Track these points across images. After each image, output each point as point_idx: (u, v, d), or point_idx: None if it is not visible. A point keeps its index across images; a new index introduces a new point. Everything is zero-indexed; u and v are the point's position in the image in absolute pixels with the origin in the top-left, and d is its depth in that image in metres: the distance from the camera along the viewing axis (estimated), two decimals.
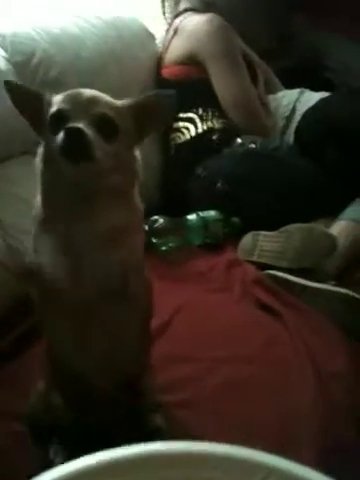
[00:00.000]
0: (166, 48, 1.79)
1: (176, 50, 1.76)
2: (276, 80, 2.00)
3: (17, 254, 1.14)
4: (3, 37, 1.31)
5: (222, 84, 1.70)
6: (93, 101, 0.71)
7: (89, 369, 0.79)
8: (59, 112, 0.70)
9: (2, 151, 1.30)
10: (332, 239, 1.31)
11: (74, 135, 0.66)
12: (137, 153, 0.77)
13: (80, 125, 0.67)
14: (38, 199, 0.75)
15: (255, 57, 1.91)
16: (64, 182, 0.71)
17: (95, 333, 0.76)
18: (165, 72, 1.78)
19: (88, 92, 0.72)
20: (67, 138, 0.66)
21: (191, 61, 1.72)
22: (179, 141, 1.73)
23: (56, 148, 0.67)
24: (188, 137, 1.71)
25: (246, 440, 0.87)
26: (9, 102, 1.20)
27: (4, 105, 1.18)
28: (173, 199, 1.71)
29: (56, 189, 0.72)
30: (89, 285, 0.73)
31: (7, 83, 0.76)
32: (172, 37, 1.78)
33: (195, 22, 1.74)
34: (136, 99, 0.75)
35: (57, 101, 0.72)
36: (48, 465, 0.81)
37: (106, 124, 0.70)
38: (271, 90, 1.93)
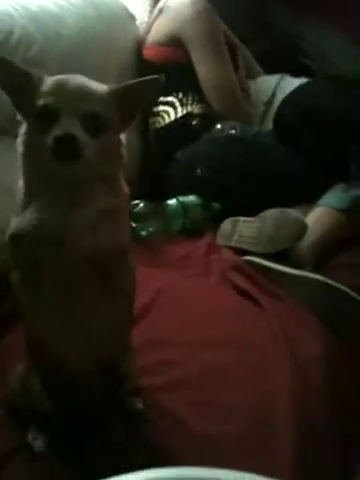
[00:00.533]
0: (149, 28, 1.77)
1: (159, 30, 1.74)
2: (256, 65, 2.00)
3: None
4: None
5: (203, 67, 1.68)
6: (82, 96, 0.69)
7: (71, 353, 0.79)
8: (46, 107, 0.69)
9: None
10: (301, 222, 1.32)
11: (65, 143, 0.66)
12: (122, 137, 0.77)
13: (70, 129, 0.66)
14: (20, 184, 0.74)
15: (236, 41, 1.90)
16: (49, 172, 0.70)
17: (79, 316, 0.76)
18: (146, 53, 1.76)
19: (76, 83, 0.70)
20: (58, 146, 0.66)
21: (174, 42, 1.70)
22: (158, 126, 1.72)
23: (45, 147, 0.67)
24: (167, 122, 1.70)
25: (224, 423, 0.90)
26: None
27: None
28: (152, 184, 1.70)
29: (40, 176, 0.72)
30: (75, 268, 0.72)
31: None
32: (156, 17, 1.76)
33: (179, 3, 1.71)
34: (121, 86, 0.74)
35: (44, 92, 0.70)
36: (26, 449, 0.82)
37: (95, 121, 0.69)
38: (251, 75, 1.92)
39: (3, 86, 0.73)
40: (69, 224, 0.70)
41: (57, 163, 0.68)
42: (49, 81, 0.71)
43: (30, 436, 0.84)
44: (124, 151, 0.76)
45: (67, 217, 0.70)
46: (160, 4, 1.78)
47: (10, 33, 1.31)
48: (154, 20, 1.77)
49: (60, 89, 0.70)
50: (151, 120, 1.74)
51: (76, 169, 0.70)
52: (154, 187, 1.67)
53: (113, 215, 0.74)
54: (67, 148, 0.66)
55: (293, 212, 1.34)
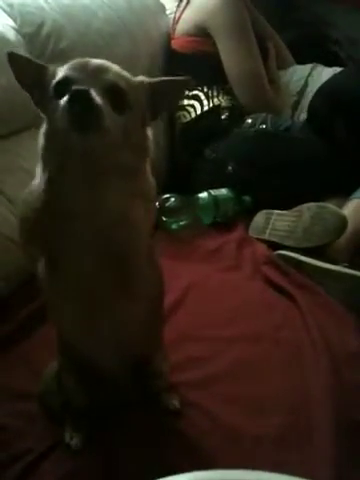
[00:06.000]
0: (178, 19, 1.75)
1: (186, 21, 1.72)
2: (289, 55, 1.95)
3: None
4: (11, 6, 1.28)
5: (229, 58, 1.65)
6: (102, 69, 0.66)
7: (98, 352, 0.78)
8: (65, 79, 0.65)
9: (8, 125, 1.27)
10: (342, 218, 1.28)
11: (81, 96, 0.61)
12: (149, 132, 0.74)
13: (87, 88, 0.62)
14: (37, 172, 0.71)
15: (269, 30, 1.86)
16: (69, 158, 0.66)
17: (103, 316, 0.74)
18: (174, 43, 1.75)
19: (97, 60, 0.68)
20: (73, 100, 0.61)
21: (200, 33, 1.68)
22: (184, 120, 1.70)
23: (61, 115, 0.62)
24: (194, 116, 1.68)
25: (259, 420, 0.88)
26: (13, 76, 1.17)
27: (8, 79, 1.16)
28: (180, 178, 1.68)
29: (59, 167, 0.67)
30: (92, 267, 0.70)
31: (10, 55, 0.71)
32: (184, 8, 1.74)
33: None
34: (153, 79, 0.72)
35: (63, 69, 0.67)
36: (64, 446, 0.82)
37: (116, 93, 0.65)
38: (283, 65, 1.88)
39: (20, 82, 0.71)
40: (86, 210, 0.67)
41: (75, 130, 0.62)
42: (68, 63, 0.68)
43: (67, 436, 0.83)
44: (151, 146, 0.73)
45: (84, 203, 0.67)
46: None
47: (41, 25, 1.31)
48: (182, 11, 1.74)
49: (80, 64, 0.67)
50: (177, 114, 1.72)
51: (96, 143, 0.64)
52: (181, 181, 1.66)
53: (131, 210, 0.70)
54: (83, 107, 0.61)
55: (332, 207, 1.30)
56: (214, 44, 1.66)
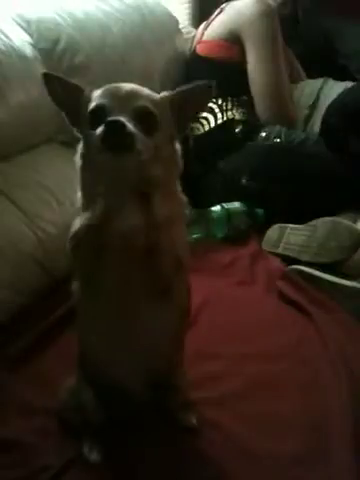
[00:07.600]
0: (208, 25, 1.77)
1: (220, 25, 1.73)
2: (300, 69, 1.96)
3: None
4: (28, 23, 1.30)
5: (257, 66, 1.66)
6: (133, 95, 0.70)
7: (123, 368, 0.78)
8: (99, 107, 0.69)
9: (26, 140, 1.28)
10: (357, 234, 1.27)
11: (114, 126, 0.65)
12: (177, 145, 0.76)
13: (120, 118, 0.66)
14: (79, 196, 0.74)
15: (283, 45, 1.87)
16: (105, 176, 0.70)
17: (132, 330, 0.75)
18: (200, 47, 1.76)
19: (127, 86, 0.72)
20: (107, 129, 0.65)
21: (231, 38, 1.69)
22: (198, 132, 1.70)
23: (96, 141, 0.66)
24: (207, 129, 1.68)
25: (277, 439, 0.87)
26: (33, 92, 1.19)
27: (28, 95, 1.18)
28: (193, 191, 1.67)
29: (97, 184, 0.71)
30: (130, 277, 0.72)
31: (45, 75, 0.74)
32: (217, 15, 1.76)
33: (246, 1, 1.69)
34: (175, 92, 0.75)
35: (96, 96, 0.71)
36: (82, 459, 0.82)
37: (146, 117, 0.69)
38: (295, 79, 1.88)
39: (55, 101, 0.75)
40: (124, 228, 0.69)
41: (109, 153, 0.66)
42: (100, 88, 0.72)
43: (85, 448, 0.83)
44: (179, 159, 0.76)
45: (123, 222, 0.69)
46: (223, 6, 1.78)
47: (57, 41, 1.32)
48: (214, 18, 1.76)
49: (111, 91, 0.71)
50: (190, 127, 1.72)
51: (129, 163, 0.68)
52: (193, 193, 1.64)
53: (169, 223, 0.72)
54: (117, 134, 0.65)
55: (347, 222, 1.30)
56: (241, 52, 1.68)
